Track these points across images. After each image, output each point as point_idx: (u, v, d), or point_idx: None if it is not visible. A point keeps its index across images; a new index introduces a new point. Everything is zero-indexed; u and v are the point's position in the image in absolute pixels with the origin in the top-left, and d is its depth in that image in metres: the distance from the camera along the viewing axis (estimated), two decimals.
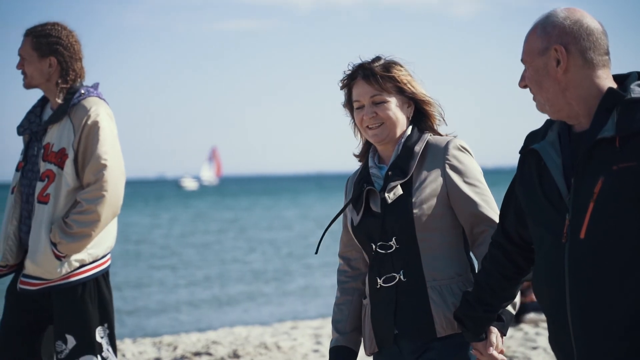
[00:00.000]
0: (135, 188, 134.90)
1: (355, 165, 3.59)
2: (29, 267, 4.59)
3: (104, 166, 4.55)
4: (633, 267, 2.57)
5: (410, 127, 3.39)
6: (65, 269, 4.56)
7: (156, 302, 17.55)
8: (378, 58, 3.40)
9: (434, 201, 3.26)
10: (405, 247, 3.28)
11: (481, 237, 3.28)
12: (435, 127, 3.44)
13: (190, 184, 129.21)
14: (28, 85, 4.73)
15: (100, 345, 4.63)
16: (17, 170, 4.77)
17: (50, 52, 4.67)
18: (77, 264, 4.59)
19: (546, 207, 2.75)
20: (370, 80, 3.33)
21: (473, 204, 3.27)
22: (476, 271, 3.29)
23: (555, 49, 2.69)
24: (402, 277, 3.28)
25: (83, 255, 4.61)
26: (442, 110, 3.43)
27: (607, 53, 2.73)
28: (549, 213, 2.73)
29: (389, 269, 3.29)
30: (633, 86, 2.69)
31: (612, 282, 2.59)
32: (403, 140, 3.36)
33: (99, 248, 4.66)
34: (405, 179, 3.28)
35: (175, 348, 9.35)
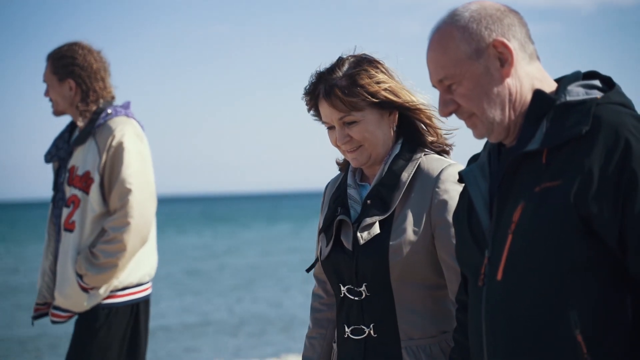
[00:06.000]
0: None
1: None
2: (58, 299, 4.29)
3: (129, 191, 4.20)
4: (554, 318, 1.98)
5: (400, 143, 2.77)
6: (94, 301, 4.24)
7: None
8: (341, 63, 2.74)
9: (415, 245, 2.65)
10: (378, 296, 2.68)
11: None
12: (429, 139, 2.79)
13: None
14: (56, 112, 4.47)
15: None
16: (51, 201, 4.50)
17: (66, 74, 4.38)
18: (105, 295, 4.25)
19: (470, 243, 2.18)
20: (333, 100, 2.69)
21: None
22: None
23: (494, 45, 2.06)
24: (372, 332, 2.70)
25: (114, 283, 4.26)
26: (435, 114, 2.78)
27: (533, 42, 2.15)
28: (472, 250, 2.17)
29: (357, 319, 2.71)
30: (571, 87, 2.08)
31: (529, 339, 2.01)
32: (390, 160, 2.74)
33: (132, 275, 4.31)
34: (386, 215, 2.68)
35: None
